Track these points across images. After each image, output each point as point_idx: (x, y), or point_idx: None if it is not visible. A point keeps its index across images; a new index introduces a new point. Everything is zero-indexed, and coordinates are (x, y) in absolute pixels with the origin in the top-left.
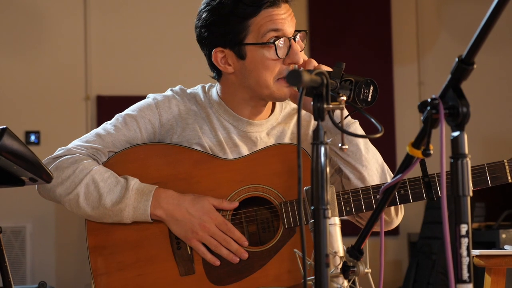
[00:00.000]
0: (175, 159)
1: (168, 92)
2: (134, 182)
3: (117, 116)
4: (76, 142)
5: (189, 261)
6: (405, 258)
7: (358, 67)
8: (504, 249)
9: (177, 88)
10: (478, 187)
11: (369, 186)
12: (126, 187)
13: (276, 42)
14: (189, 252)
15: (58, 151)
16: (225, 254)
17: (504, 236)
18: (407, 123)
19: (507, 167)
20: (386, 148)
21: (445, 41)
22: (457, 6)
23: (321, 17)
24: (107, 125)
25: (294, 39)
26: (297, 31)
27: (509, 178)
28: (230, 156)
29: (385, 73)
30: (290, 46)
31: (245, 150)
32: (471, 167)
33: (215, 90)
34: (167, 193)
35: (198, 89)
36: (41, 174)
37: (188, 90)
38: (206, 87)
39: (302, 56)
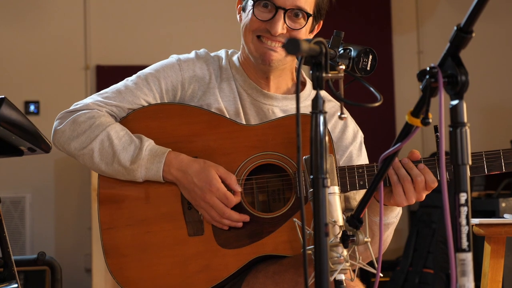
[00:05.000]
0: (194, 121)
1: (192, 54)
2: (148, 143)
3: (139, 73)
4: (94, 97)
5: (199, 222)
6: (405, 227)
7: (357, 36)
8: (504, 217)
9: (201, 51)
10: (492, 172)
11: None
12: (140, 147)
13: (260, 3)
14: (199, 213)
15: (75, 105)
16: (226, 226)
17: (504, 204)
18: (407, 92)
19: None
20: (385, 116)
21: (444, 10)
22: None
23: None
24: (128, 82)
25: (285, 11)
26: (298, 9)
27: None
28: (243, 123)
29: (385, 42)
30: (274, 14)
31: (254, 120)
32: (486, 152)
33: (237, 56)
34: (178, 158)
35: (221, 53)
36: (39, 144)
37: (212, 54)
38: (230, 52)
39: (283, 29)
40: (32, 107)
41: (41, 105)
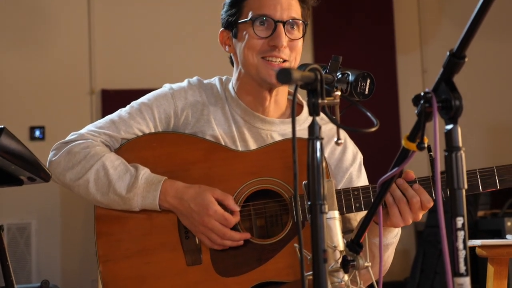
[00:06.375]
0: (188, 149)
1: (185, 83)
2: (144, 171)
3: (133, 103)
4: (89, 128)
5: (197, 251)
6: (412, 247)
7: (361, 57)
8: (506, 238)
9: (194, 78)
10: (487, 189)
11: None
12: (135, 176)
13: (257, 21)
14: (197, 242)
15: (71, 136)
16: (228, 245)
17: (509, 224)
18: (412, 111)
19: None
20: (390, 137)
21: (447, 29)
22: None
23: (324, 8)
24: (122, 112)
25: (283, 23)
26: (294, 19)
27: None
28: (239, 149)
29: (389, 62)
30: (274, 29)
31: (253, 146)
32: (480, 169)
33: (232, 83)
34: (174, 186)
35: (215, 80)
36: (39, 173)
37: (205, 81)
38: (224, 79)
39: (286, 42)
40: (37, 133)
41: (46, 131)
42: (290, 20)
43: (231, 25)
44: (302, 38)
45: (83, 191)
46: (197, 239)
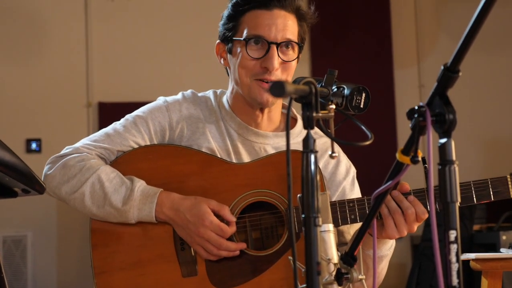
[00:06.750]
0: (184, 161)
1: (179, 95)
2: (140, 184)
3: (127, 116)
4: (84, 141)
5: (192, 263)
6: (408, 261)
7: (358, 71)
8: (500, 252)
9: (188, 92)
10: (481, 201)
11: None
12: (131, 188)
13: (250, 41)
14: (193, 254)
15: (66, 150)
16: (224, 256)
17: (504, 237)
18: (408, 126)
19: (509, 182)
20: (388, 151)
21: (445, 43)
22: (455, 8)
23: (320, 22)
24: (117, 125)
25: (277, 45)
26: (288, 41)
27: (511, 193)
28: (234, 161)
29: (386, 77)
30: (268, 50)
31: (246, 160)
32: (474, 181)
33: (226, 96)
34: (170, 197)
35: (209, 93)
36: (33, 185)
37: (199, 94)
38: (218, 92)
39: (279, 64)
40: (33, 145)
41: (43, 143)
42: (284, 42)
43: (227, 40)
44: (296, 59)
45: (79, 205)
46: (192, 251)
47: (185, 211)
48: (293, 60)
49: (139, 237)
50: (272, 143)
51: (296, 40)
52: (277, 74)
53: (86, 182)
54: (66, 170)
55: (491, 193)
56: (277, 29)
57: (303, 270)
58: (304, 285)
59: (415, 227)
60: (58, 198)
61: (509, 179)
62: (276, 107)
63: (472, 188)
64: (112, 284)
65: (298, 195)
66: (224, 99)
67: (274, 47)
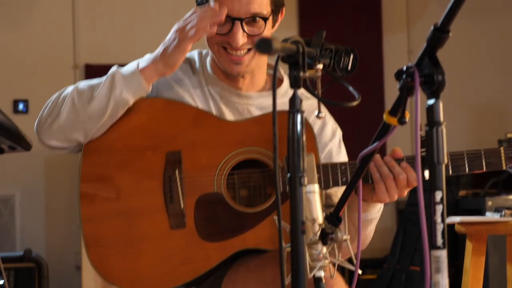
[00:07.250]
0: (177, 115)
1: None
2: (116, 68)
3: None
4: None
5: (181, 215)
6: (393, 225)
7: (348, 36)
8: (486, 216)
9: None
10: (473, 171)
11: None
12: (112, 75)
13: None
14: (182, 207)
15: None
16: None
17: (490, 203)
18: (397, 91)
19: (502, 154)
20: (375, 116)
21: (435, 10)
22: None
23: None
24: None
25: (241, 21)
26: (254, 15)
27: (504, 165)
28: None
29: (375, 42)
30: (232, 27)
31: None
32: (468, 151)
33: (209, 58)
34: (147, 63)
35: (194, 54)
36: (20, 142)
37: (187, 55)
38: (203, 53)
39: (246, 38)
40: (21, 106)
41: (30, 104)
42: (249, 17)
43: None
44: (266, 30)
45: (72, 116)
46: (181, 203)
47: (161, 45)
48: (261, 32)
49: (128, 187)
50: (256, 103)
51: (265, 11)
52: (243, 48)
53: (68, 97)
54: (49, 107)
55: (484, 163)
56: (240, 3)
57: (287, 229)
58: (289, 244)
59: (406, 192)
60: (58, 135)
61: (502, 151)
62: (260, 69)
63: (465, 158)
64: (100, 232)
65: (285, 156)
66: (207, 60)
67: (238, 23)
